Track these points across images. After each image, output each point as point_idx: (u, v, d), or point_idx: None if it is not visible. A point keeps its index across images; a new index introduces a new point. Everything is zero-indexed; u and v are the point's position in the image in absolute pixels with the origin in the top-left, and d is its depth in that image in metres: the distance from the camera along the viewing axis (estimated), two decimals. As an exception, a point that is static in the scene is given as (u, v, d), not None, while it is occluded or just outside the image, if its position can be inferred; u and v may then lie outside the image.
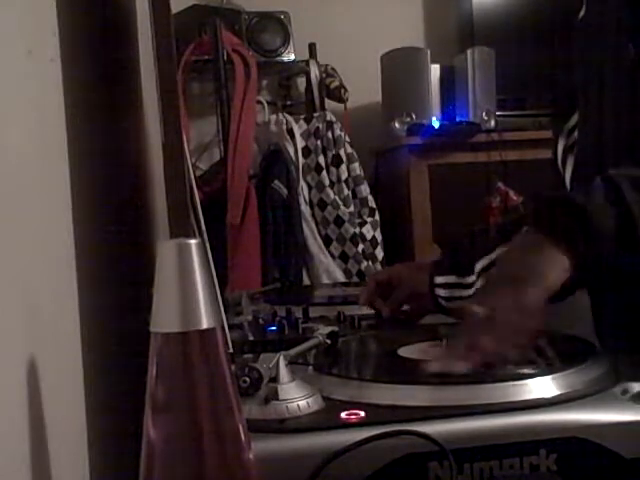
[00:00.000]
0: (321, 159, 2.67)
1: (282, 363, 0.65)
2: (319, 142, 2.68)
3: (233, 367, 0.51)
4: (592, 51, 0.98)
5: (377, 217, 2.72)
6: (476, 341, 0.71)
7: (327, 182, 2.66)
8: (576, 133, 1.04)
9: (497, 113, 2.78)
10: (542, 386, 0.66)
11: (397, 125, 2.72)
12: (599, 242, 0.75)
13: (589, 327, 1.00)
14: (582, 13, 1.02)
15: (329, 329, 0.87)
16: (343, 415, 0.62)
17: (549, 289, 0.74)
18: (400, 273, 1.10)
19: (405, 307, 1.09)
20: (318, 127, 2.68)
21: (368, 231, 2.69)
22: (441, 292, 1.04)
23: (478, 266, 1.02)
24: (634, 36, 0.91)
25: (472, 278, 1.02)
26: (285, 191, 2.61)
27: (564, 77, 1.06)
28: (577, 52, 1.02)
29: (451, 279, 1.03)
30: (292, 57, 2.90)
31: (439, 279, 1.04)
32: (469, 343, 0.72)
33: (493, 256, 1.02)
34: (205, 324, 0.45)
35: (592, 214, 0.74)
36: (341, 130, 2.70)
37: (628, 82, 0.92)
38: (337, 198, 2.65)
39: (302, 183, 2.66)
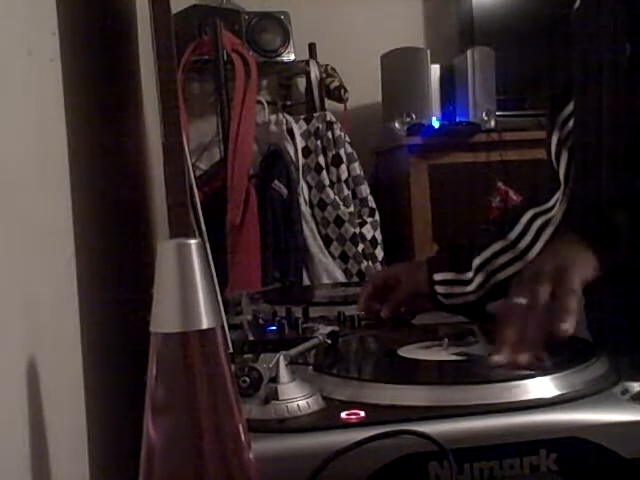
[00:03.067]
0: (321, 159, 2.67)
1: (282, 363, 0.65)
2: (319, 142, 2.68)
3: (233, 367, 0.51)
4: (589, 48, 0.99)
5: (377, 217, 2.72)
6: (525, 332, 0.73)
7: (327, 182, 2.66)
8: (570, 123, 1.04)
9: (497, 113, 2.78)
10: (542, 386, 0.66)
11: (397, 125, 2.72)
12: (619, 244, 0.79)
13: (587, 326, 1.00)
14: (577, 4, 1.02)
15: (329, 329, 0.87)
16: (343, 415, 0.62)
17: (584, 280, 0.77)
18: (397, 273, 1.10)
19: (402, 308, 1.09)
20: (318, 127, 2.68)
21: (368, 231, 2.69)
22: (440, 289, 1.04)
23: (475, 262, 1.02)
24: (631, 35, 0.91)
25: (470, 275, 1.03)
26: (285, 191, 2.61)
27: (562, 70, 1.06)
28: (574, 47, 1.02)
29: (449, 276, 1.04)
30: (292, 57, 2.90)
31: (437, 276, 1.04)
32: (520, 335, 0.73)
33: (490, 252, 1.02)
34: (205, 324, 0.45)
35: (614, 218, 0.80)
36: (341, 130, 2.70)
37: (626, 80, 0.92)
38: (337, 198, 2.65)
39: (302, 183, 2.66)
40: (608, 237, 0.80)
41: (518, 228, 1.03)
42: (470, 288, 1.03)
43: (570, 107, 1.04)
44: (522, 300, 0.76)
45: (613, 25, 0.94)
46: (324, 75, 2.90)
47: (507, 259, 1.02)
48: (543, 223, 1.03)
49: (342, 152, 2.68)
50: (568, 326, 0.72)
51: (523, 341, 0.72)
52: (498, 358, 0.71)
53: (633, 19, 0.91)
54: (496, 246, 1.03)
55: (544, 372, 0.68)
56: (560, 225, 0.96)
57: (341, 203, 2.65)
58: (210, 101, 2.79)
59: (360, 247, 2.66)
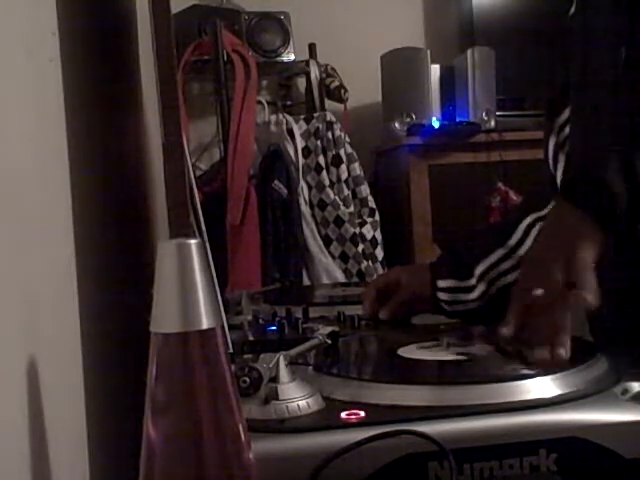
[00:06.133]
0: (321, 159, 2.67)
1: (282, 363, 0.65)
2: (319, 142, 2.68)
3: (233, 367, 0.51)
4: (587, 51, 0.98)
5: (377, 217, 2.72)
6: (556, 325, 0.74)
7: (327, 182, 2.66)
8: (567, 129, 1.04)
9: (497, 113, 2.78)
10: (542, 386, 0.66)
11: (397, 125, 2.72)
12: (616, 218, 0.79)
13: (587, 327, 1.00)
14: (572, 11, 1.02)
15: (329, 329, 0.86)
16: (343, 415, 0.62)
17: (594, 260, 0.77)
18: (398, 277, 1.10)
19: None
20: (318, 127, 2.68)
21: (368, 231, 2.69)
22: (443, 296, 1.04)
23: (478, 270, 1.03)
24: (628, 39, 0.91)
25: (472, 282, 1.03)
26: (285, 191, 2.61)
27: (560, 74, 1.06)
28: (572, 49, 1.02)
29: (452, 283, 1.04)
30: (292, 57, 2.90)
31: (441, 283, 1.04)
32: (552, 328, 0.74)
33: (491, 260, 1.03)
34: (205, 324, 0.45)
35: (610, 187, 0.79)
36: (341, 130, 2.70)
37: (623, 84, 0.92)
38: (337, 198, 2.65)
39: (302, 183, 2.66)
40: (609, 210, 0.79)
41: (518, 234, 1.03)
42: (473, 296, 1.03)
43: (567, 113, 1.04)
44: (539, 292, 0.76)
45: (611, 28, 0.94)
46: (324, 75, 2.90)
47: (508, 266, 1.02)
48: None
49: (342, 152, 2.68)
50: (592, 298, 0.74)
51: (558, 334, 0.73)
52: (542, 354, 0.72)
53: (633, 22, 0.90)
54: (497, 254, 1.03)
55: (544, 372, 0.68)
56: (556, 195, 0.94)
57: (341, 203, 2.65)
58: (210, 101, 2.79)
59: (360, 247, 2.66)
